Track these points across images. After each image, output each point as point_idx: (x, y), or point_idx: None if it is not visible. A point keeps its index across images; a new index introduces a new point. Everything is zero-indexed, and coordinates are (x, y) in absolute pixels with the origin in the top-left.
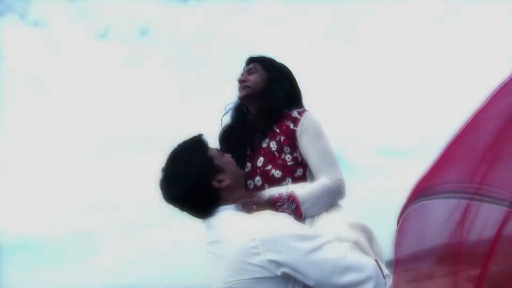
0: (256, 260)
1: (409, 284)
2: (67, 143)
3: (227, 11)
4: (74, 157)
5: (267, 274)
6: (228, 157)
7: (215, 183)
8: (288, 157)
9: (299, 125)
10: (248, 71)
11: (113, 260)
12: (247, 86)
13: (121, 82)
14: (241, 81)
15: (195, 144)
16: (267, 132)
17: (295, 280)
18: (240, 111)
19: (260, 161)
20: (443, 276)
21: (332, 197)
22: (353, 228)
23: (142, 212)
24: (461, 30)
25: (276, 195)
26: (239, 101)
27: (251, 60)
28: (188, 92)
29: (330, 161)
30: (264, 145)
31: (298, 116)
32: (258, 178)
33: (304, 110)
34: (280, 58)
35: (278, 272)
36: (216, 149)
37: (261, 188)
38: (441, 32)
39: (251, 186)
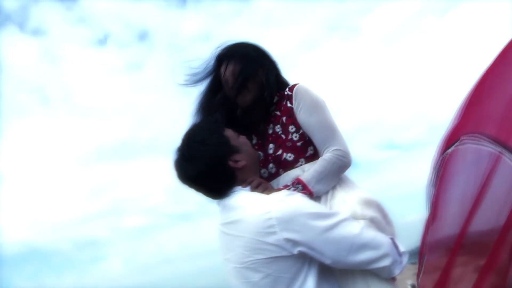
0: (272, 239)
1: (419, 276)
2: (69, 150)
3: (225, 12)
4: (77, 164)
5: (284, 253)
6: (243, 139)
7: (231, 163)
8: (295, 136)
9: (293, 101)
10: (231, 82)
11: (122, 265)
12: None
13: (122, 87)
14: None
15: (212, 124)
16: (269, 119)
17: (311, 259)
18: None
19: (271, 148)
20: (452, 267)
21: (337, 170)
22: (368, 206)
23: (148, 216)
24: (462, 22)
25: (281, 187)
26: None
27: (223, 62)
28: (189, 95)
29: (329, 133)
30: (270, 131)
31: (289, 93)
32: (271, 165)
33: (294, 85)
34: (274, 53)
35: (295, 251)
36: (232, 130)
37: (276, 174)
38: (442, 25)
39: (266, 175)
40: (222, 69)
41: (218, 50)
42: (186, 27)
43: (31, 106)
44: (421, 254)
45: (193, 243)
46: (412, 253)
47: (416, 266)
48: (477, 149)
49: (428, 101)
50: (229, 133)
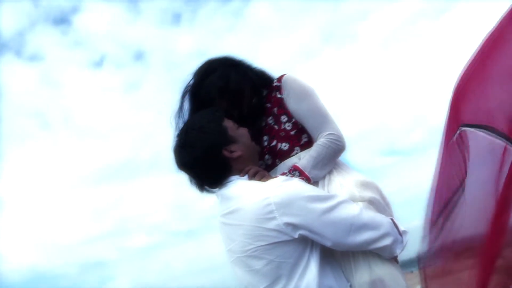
0: (272, 224)
1: (426, 281)
2: (71, 172)
3: (220, 27)
4: (79, 186)
5: (285, 238)
6: (243, 130)
7: (226, 153)
8: (288, 126)
9: (282, 91)
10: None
11: (130, 285)
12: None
13: (121, 107)
14: (235, 116)
15: (211, 114)
16: (262, 113)
17: (312, 243)
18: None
19: (265, 140)
20: (462, 271)
21: (332, 154)
22: (366, 188)
23: (153, 235)
24: (458, 23)
25: (279, 175)
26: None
27: (213, 102)
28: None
29: (321, 119)
30: (263, 123)
31: (278, 84)
32: (267, 156)
33: (282, 76)
34: (272, 63)
35: (295, 235)
36: (232, 121)
37: (273, 165)
38: (438, 27)
39: (263, 166)
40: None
41: (193, 87)
42: (181, 45)
43: (31, 131)
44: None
45: (199, 259)
46: (417, 259)
47: (427, 270)
48: (489, 140)
49: (427, 104)
50: (228, 123)
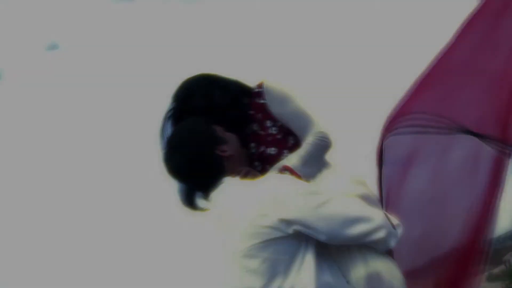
0: (266, 221)
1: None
2: None
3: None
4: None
5: (279, 234)
6: (231, 134)
7: (218, 152)
8: (274, 130)
9: (264, 96)
10: None
11: None
12: None
13: None
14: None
15: (200, 118)
16: (247, 121)
17: (307, 238)
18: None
19: (253, 147)
20: (461, 279)
21: (320, 151)
22: (358, 184)
23: None
24: None
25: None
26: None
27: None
28: None
29: (306, 119)
30: (249, 131)
31: (259, 90)
32: (256, 163)
33: (261, 82)
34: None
35: (290, 230)
36: (220, 126)
37: (264, 171)
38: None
39: None
40: None
41: (175, 111)
42: None
43: None
44: None
45: None
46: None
47: (428, 281)
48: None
49: None
50: (216, 127)
